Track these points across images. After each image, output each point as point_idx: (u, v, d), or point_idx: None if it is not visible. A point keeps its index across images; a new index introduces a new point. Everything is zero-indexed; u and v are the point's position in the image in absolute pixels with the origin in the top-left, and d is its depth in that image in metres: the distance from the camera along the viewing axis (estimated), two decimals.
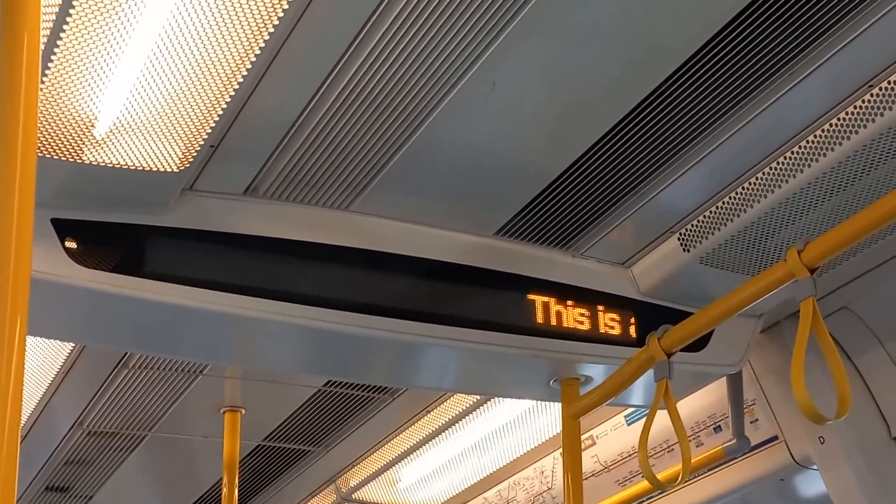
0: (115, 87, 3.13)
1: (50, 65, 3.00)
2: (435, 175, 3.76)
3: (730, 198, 3.84)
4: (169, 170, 3.46)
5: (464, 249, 4.02)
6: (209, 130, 3.35)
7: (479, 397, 5.34)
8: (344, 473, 6.33)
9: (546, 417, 5.49)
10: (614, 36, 3.16)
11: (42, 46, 2.53)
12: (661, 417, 3.76)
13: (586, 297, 4.17)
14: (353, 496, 6.45)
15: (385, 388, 5.29)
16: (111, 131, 3.29)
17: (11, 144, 2.30)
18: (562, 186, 3.81)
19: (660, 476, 4.05)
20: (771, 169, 3.69)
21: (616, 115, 3.47)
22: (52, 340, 4.68)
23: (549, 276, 4.13)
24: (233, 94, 3.21)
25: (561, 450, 4.31)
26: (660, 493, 5.15)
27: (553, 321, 4.08)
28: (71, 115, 3.21)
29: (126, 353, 4.88)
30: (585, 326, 4.14)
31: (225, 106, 3.26)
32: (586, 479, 4.71)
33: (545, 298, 4.10)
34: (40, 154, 3.09)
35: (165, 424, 5.62)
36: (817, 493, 4.78)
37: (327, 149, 3.57)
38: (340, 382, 5.21)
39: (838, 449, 4.48)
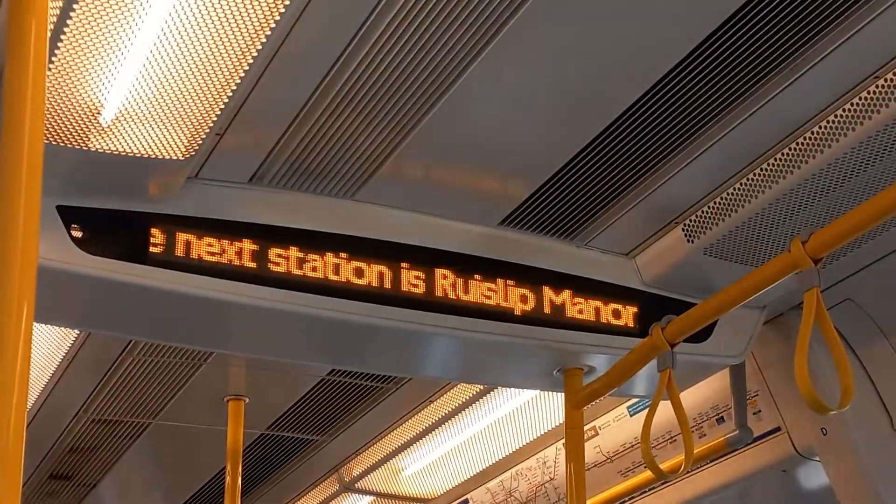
0: (121, 75, 3.14)
1: (57, 51, 3.01)
2: (439, 165, 3.76)
3: (734, 188, 3.84)
4: (175, 157, 3.47)
5: (468, 239, 4.02)
6: (214, 118, 3.35)
7: (481, 387, 5.34)
8: (347, 463, 6.34)
9: (549, 407, 5.50)
10: (619, 27, 3.16)
11: (49, 32, 2.52)
12: (665, 408, 3.76)
13: (590, 288, 4.18)
14: (356, 485, 6.46)
15: (388, 377, 5.29)
16: (117, 119, 3.29)
17: (18, 131, 2.30)
18: (566, 177, 3.81)
19: (662, 466, 4.05)
20: (776, 159, 3.69)
21: (621, 106, 3.47)
22: (57, 327, 4.69)
23: (553, 266, 4.14)
24: (238, 82, 3.22)
25: (564, 440, 4.31)
26: (662, 484, 5.16)
27: (557, 311, 4.09)
28: (78, 102, 3.21)
29: (131, 341, 4.89)
30: (589, 317, 4.14)
31: (230, 94, 3.26)
32: (589, 469, 4.72)
33: (549, 288, 4.10)
34: (47, 141, 3.09)
35: (169, 413, 5.63)
36: (819, 484, 4.78)
37: (332, 138, 3.58)
38: (344, 371, 5.22)
39: (841, 440, 4.48)
